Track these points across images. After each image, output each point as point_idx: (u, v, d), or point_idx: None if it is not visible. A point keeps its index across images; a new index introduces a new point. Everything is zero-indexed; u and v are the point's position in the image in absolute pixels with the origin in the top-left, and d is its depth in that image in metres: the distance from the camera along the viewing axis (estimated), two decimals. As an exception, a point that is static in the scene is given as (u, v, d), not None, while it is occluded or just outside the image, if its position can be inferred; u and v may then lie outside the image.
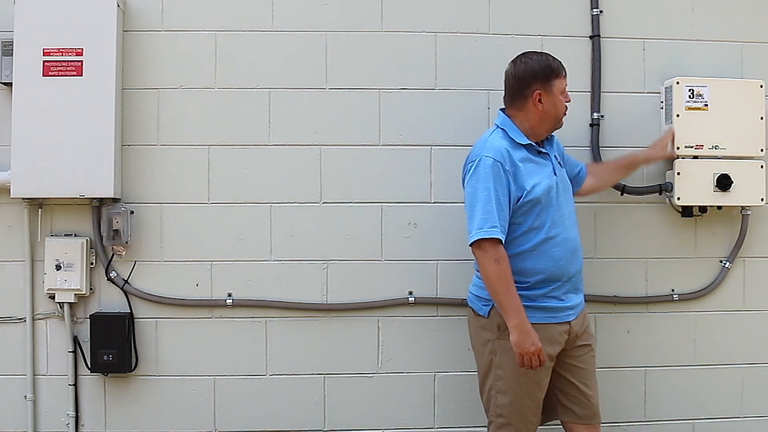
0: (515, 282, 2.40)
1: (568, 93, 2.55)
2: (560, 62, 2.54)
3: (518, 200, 2.42)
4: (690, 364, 3.08)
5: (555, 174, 2.51)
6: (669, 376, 3.07)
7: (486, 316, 2.50)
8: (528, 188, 2.42)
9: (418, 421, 3.00)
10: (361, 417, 2.99)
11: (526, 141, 2.48)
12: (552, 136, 2.62)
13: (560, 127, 2.57)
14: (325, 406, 2.98)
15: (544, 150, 2.54)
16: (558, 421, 2.63)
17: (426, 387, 3.01)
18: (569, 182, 2.63)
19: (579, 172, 2.78)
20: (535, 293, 2.45)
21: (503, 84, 2.58)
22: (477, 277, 2.57)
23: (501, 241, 2.37)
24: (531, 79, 2.49)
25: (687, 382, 3.08)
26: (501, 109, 2.59)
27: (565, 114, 2.55)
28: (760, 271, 3.11)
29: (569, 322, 2.50)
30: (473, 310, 2.58)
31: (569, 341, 2.52)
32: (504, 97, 2.58)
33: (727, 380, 3.10)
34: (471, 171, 2.45)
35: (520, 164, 2.44)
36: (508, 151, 2.44)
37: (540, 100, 2.48)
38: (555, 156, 2.58)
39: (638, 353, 3.05)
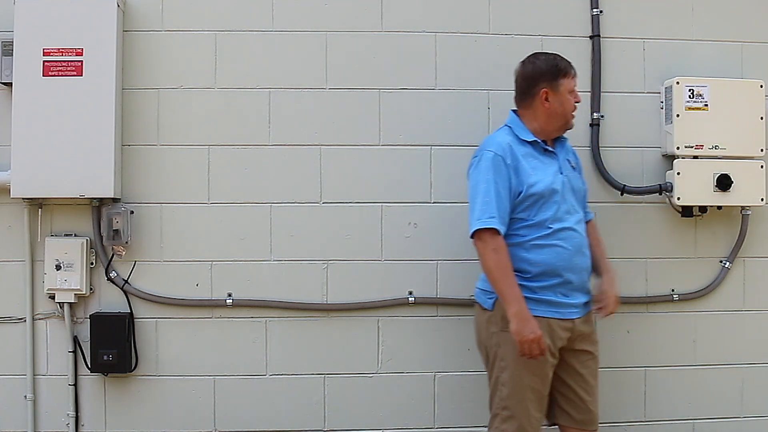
0: (518, 273, 2.44)
1: (578, 93, 2.57)
2: (569, 63, 2.57)
3: (519, 194, 2.46)
4: (690, 364, 3.08)
5: (561, 173, 2.53)
6: (669, 376, 3.07)
7: (491, 309, 2.52)
8: (530, 182, 2.46)
9: (418, 421, 3.00)
10: (361, 417, 2.99)
11: (531, 138, 2.53)
12: (565, 140, 2.65)
13: (570, 127, 2.59)
14: (325, 406, 2.98)
15: (550, 149, 2.57)
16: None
17: (426, 387, 3.00)
18: (581, 185, 2.64)
19: (585, 215, 2.66)
20: (536, 285, 2.46)
21: (513, 84, 2.60)
22: None
23: (499, 231, 2.41)
24: (539, 78, 2.53)
25: (687, 382, 3.08)
26: (512, 110, 2.63)
27: (574, 114, 2.57)
28: (760, 271, 3.11)
29: (573, 320, 2.50)
30: (480, 304, 2.60)
31: (572, 340, 2.51)
32: (514, 97, 2.62)
33: (727, 380, 3.10)
34: (474, 165, 2.54)
35: (523, 160, 2.48)
36: (510, 146, 2.50)
37: (547, 99, 2.52)
38: (568, 159, 2.61)
39: (638, 353, 3.05)
